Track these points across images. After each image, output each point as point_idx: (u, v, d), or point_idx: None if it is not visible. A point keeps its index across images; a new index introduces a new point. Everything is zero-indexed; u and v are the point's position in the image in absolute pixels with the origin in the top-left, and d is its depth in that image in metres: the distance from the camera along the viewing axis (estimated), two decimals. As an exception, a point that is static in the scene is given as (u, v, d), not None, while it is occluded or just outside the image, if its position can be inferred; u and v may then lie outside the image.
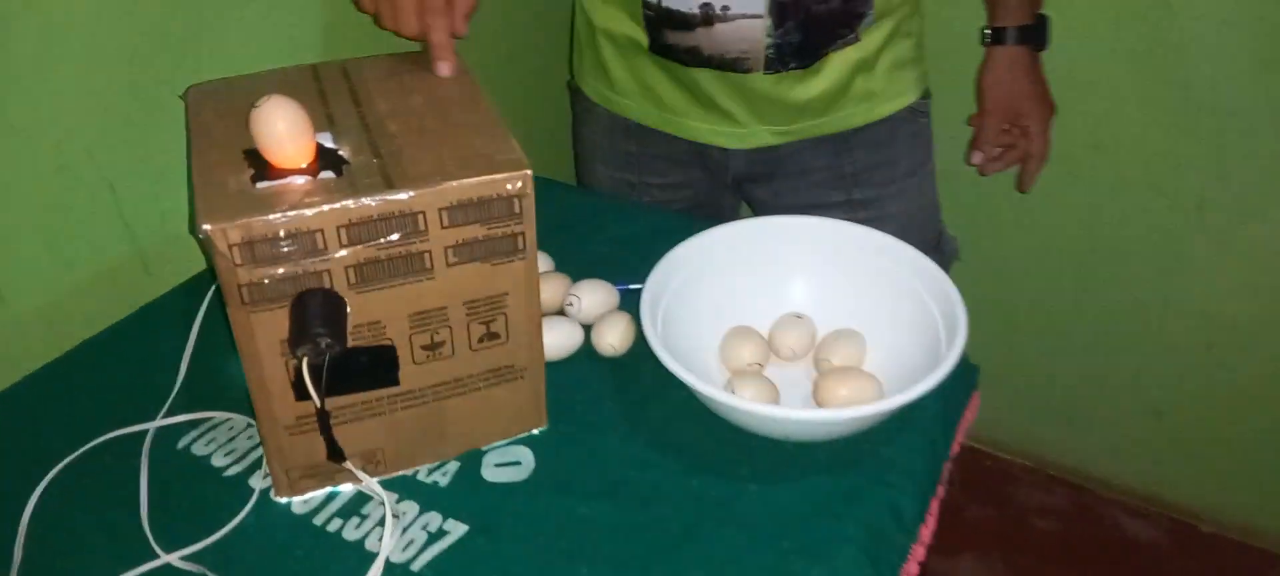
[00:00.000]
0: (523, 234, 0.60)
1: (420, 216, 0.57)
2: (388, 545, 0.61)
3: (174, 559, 0.61)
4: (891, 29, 0.94)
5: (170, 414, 0.71)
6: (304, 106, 0.59)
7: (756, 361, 0.75)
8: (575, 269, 0.84)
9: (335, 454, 0.61)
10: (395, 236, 0.56)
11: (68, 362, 0.77)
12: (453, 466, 0.68)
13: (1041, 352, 1.54)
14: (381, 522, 0.63)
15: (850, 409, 0.65)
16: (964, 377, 0.75)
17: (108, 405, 0.72)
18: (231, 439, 0.70)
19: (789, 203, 1.02)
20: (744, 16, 0.87)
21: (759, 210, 1.09)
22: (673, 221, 0.95)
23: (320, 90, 0.66)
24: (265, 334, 0.57)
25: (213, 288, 0.76)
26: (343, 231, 0.55)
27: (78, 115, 0.77)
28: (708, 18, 0.88)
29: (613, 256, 0.89)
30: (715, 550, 0.62)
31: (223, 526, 0.63)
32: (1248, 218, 1.29)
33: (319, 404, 0.57)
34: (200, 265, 0.88)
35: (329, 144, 0.60)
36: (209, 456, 0.68)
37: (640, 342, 0.72)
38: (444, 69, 0.68)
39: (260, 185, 0.56)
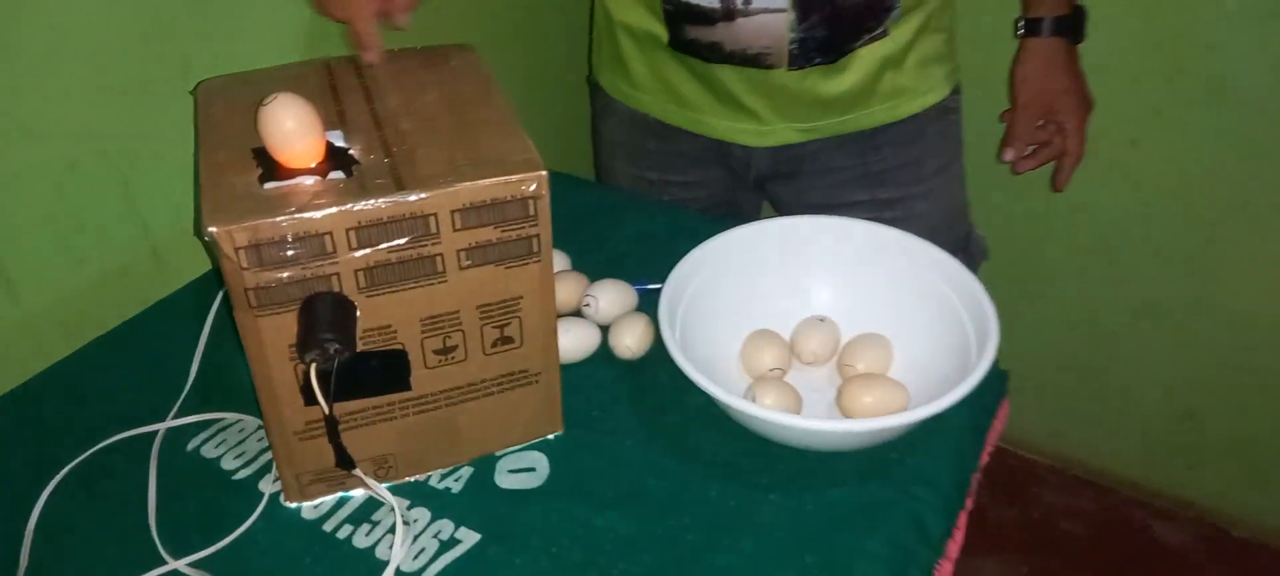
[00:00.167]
0: (538, 236, 0.58)
1: (432, 219, 0.55)
2: (398, 554, 0.60)
3: (181, 565, 0.60)
4: (921, 23, 0.91)
5: (181, 414, 0.70)
6: (314, 103, 0.57)
7: (778, 366, 0.72)
8: (593, 268, 0.82)
9: (344, 461, 0.60)
10: (403, 239, 0.55)
11: (79, 360, 0.77)
12: (466, 472, 0.66)
13: (1069, 351, 1.51)
14: (393, 530, 0.62)
15: (874, 421, 0.62)
16: (993, 385, 0.72)
17: (118, 404, 0.71)
18: (242, 441, 0.69)
19: (813, 202, 1.00)
20: (767, 11, 0.85)
21: (781, 209, 1.06)
22: (693, 220, 0.93)
23: (332, 86, 0.65)
24: (273, 338, 0.55)
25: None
26: (352, 234, 0.54)
27: (89, 110, 0.76)
28: (729, 12, 0.85)
29: (631, 255, 0.88)
30: (734, 563, 0.60)
31: (231, 532, 0.62)
32: (1287, 217, 1.25)
33: (327, 411, 0.56)
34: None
35: (339, 142, 0.58)
36: (219, 459, 0.67)
37: (659, 345, 0.70)
38: (369, 57, 0.66)
39: (268, 186, 0.54)
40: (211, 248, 0.52)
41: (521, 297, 0.61)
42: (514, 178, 0.56)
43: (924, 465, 0.66)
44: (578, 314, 0.77)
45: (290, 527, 0.63)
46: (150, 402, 0.71)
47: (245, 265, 0.52)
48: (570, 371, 0.73)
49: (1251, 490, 1.47)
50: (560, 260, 0.83)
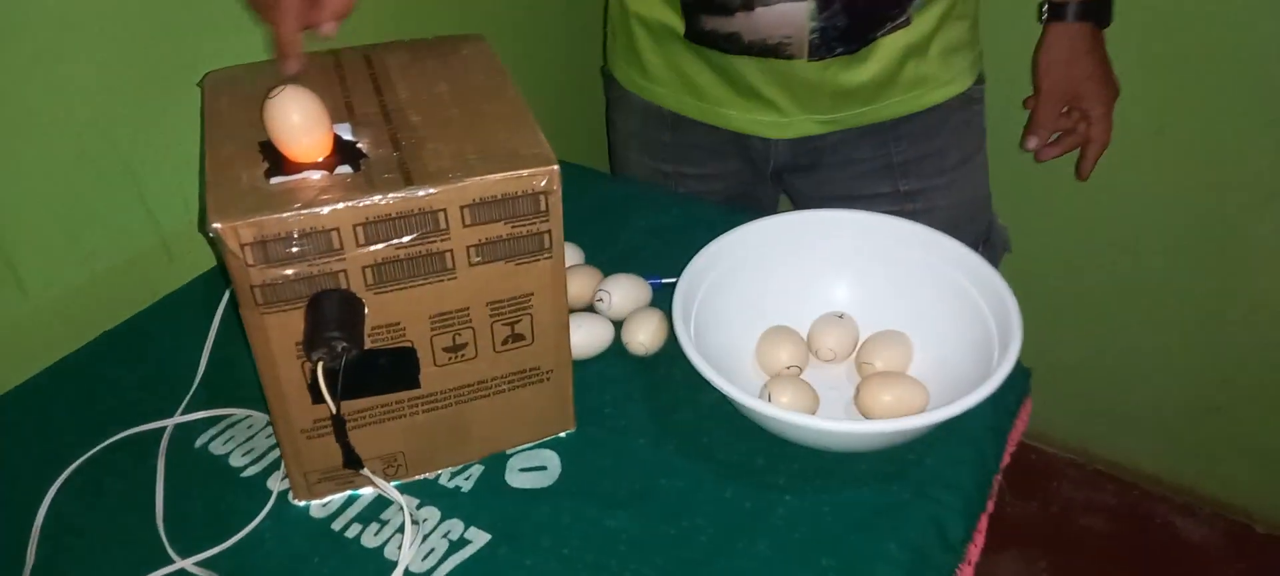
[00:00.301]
0: (549, 232, 0.57)
1: (441, 214, 0.54)
2: (407, 554, 0.59)
3: (188, 564, 0.59)
4: (944, 10, 0.89)
5: (189, 409, 0.70)
6: (323, 95, 0.56)
7: (795, 364, 0.71)
8: (606, 261, 0.81)
9: (352, 461, 0.59)
10: (410, 237, 0.53)
11: (88, 354, 0.76)
12: (476, 470, 0.65)
13: (1092, 343, 1.49)
14: (402, 529, 0.61)
15: (893, 422, 0.61)
16: (1016, 384, 0.71)
17: (127, 400, 0.71)
18: (250, 437, 0.68)
19: (832, 194, 0.98)
20: (786, 0, 0.83)
21: (800, 202, 1.04)
22: (708, 212, 0.92)
23: (341, 77, 0.64)
24: (280, 336, 0.54)
25: (234, 279, 0.74)
26: (359, 230, 0.53)
27: (97, 102, 0.75)
28: (748, 2, 0.83)
29: (646, 248, 0.86)
30: (747, 565, 0.59)
31: (239, 530, 0.61)
32: (1317, 208, 1.22)
33: (334, 410, 0.55)
34: (225, 253, 0.86)
35: (347, 136, 0.57)
36: (227, 456, 0.66)
37: (673, 341, 0.69)
38: (288, 66, 0.61)
39: (274, 180, 0.53)
40: (216, 244, 0.51)
41: (532, 294, 0.59)
42: (524, 172, 0.54)
43: (944, 466, 0.65)
44: (591, 309, 0.76)
45: (298, 526, 0.62)
46: (158, 398, 0.71)
47: (251, 262, 0.51)
48: (582, 368, 0.72)
49: (1276, 486, 1.45)
50: (573, 254, 0.81)
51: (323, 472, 0.62)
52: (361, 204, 0.52)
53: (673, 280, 0.70)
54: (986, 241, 1.03)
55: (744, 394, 0.61)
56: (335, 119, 0.57)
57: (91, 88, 0.74)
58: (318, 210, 0.51)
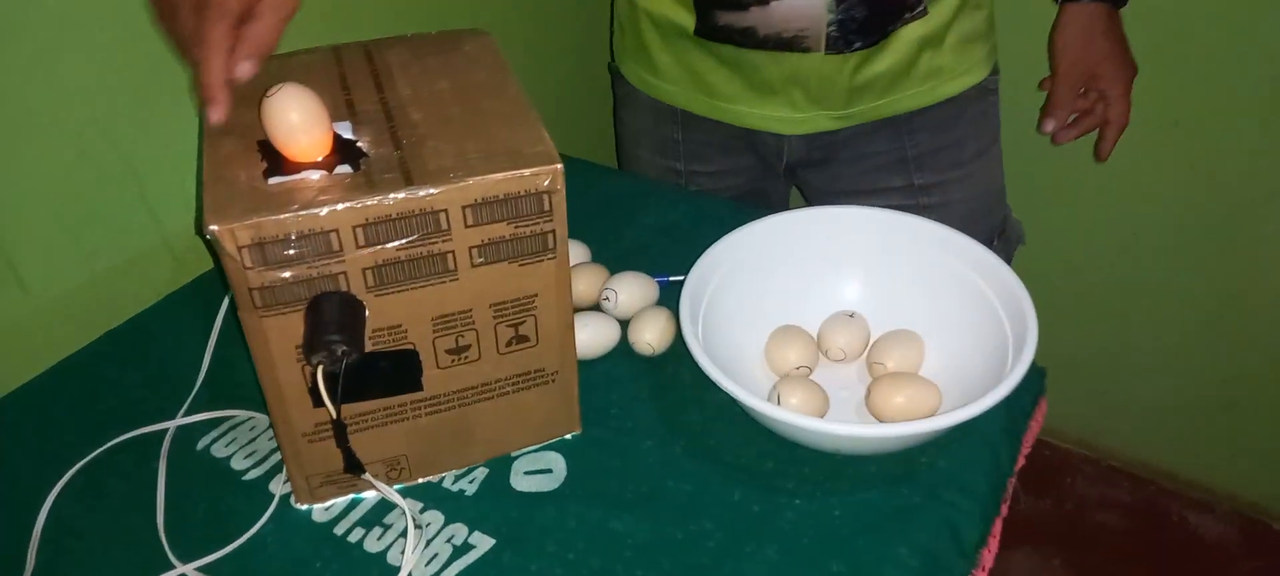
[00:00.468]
0: (553, 232, 0.56)
1: (442, 215, 0.53)
2: (410, 560, 0.58)
3: (190, 569, 0.58)
4: (961, 0, 0.87)
5: (191, 411, 0.69)
6: (323, 92, 0.55)
7: (805, 364, 0.70)
8: (613, 259, 0.80)
9: (353, 466, 0.58)
10: (408, 239, 0.52)
11: (90, 355, 0.75)
12: (480, 474, 0.65)
13: (1106, 338, 1.47)
14: (405, 533, 0.60)
15: (905, 426, 0.60)
16: (1031, 385, 0.69)
17: (129, 401, 0.70)
18: (252, 439, 0.67)
19: (846, 188, 0.96)
20: None
21: (812, 197, 1.03)
22: (717, 208, 0.90)
23: (341, 74, 0.62)
24: (279, 339, 0.54)
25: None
26: (359, 231, 0.52)
27: (98, 100, 0.74)
28: None
29: (653, 246, 0.85)
30: (756, 570, 0.58)
31: (241, 534, 0.60)
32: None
33: (334, 414, 0.54)
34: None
35: (347, 134, 0.56)
36: (229, 458, 0.66)
37: (680, 340, 0.67)
38: (213, 115, 0.54)
39: (272, 181, 0.52)
40: (213, 245, 0.50)
41: (536, 295, 0.58)
42: (527, 172, 0.53)
43: (957, 468, 0.64)
44: (596, 308, 0.75)
45: (301, 530, 0.61)
46: (160, 399, 0.70)
47: (248, 264, 0.50)
48: (588, 368, 0.71)
49: (1294, 483, 1.43)
50: (579, 251, 0.80)
51: (325, 476, 0.61)
52: (361, 205, 0.51)
53: (680, 278, 0.69)
54: (1001, 234, 1.02)
55: (752, 396, 0.60)
56: (335, 117, 0.56)
57: (92, 85, 0.74)
58: (316, 211, 0.50)
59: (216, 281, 0.83)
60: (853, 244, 0.75)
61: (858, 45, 0.84)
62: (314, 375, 0.54)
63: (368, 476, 0.59)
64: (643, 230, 0.87)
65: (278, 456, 0.65)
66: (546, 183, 0.54)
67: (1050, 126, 0.96)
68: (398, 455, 0.62)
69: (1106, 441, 1.58)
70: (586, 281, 0.76)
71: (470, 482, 0.64)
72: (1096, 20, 0.91)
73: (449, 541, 0.60)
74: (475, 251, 0.55)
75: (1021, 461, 0.69)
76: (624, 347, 0.73)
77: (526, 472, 0.64)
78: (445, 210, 0.53)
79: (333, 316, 0.52)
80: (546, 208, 0.55)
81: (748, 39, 0.85)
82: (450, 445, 0.63)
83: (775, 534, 0.60)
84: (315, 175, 0.53)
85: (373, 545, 0.60)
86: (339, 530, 0.61)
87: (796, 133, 0.92)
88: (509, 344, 0.60)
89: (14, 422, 0.70)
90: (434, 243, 0.53)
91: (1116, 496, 1.54)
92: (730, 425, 0.67)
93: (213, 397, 0.70)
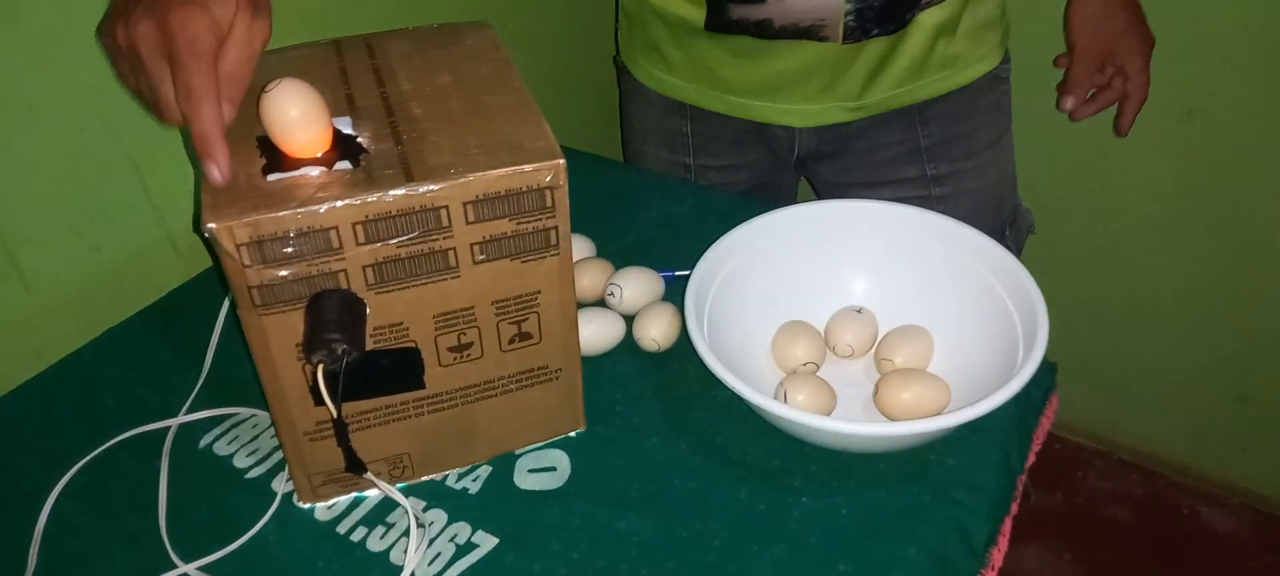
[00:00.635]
0: (556, 228, 0.55)
1: (443, 211, 0.52)
2: (413, 559, 0.57)
3: (191, 569, 0.58)
4: None
5: (194, 409, 0.69)
6: (323, 87, 0.54)
7: (811, 360, 0.69)
8: (618, 254, 0.79)
9: (354, 465, 0.57)
10: (409, 236, 0.52)
11: (93, 351, 0.75)
12: (484, 471, 0.64)
13: (1117, 331, 1.45)
14: (408, 532, 0.59)
15: (913, 424, 0.59)
16: (1042, 380, 0.68)
17: (131, 398, 0.70)
18: (255, 437, 0.67)
19: (858, 181, 0.95)
20: None
21: (822, 189, 1.02)
22: (723, 201, 0.89)
23: (342, 68, 0.62)
24: (279, 337, 0.53)
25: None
26: (359, 228, 0.51)
27: (100, 94, 0.73)
28: None
29: (659, 240, 0.84)
30: (763, 570, 0.57)
31: (243, 534, 0.60)
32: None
33: (335, 414, 0.53)
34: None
35: (347, 130, 0.55)
36: (231, 456, 0.65)
37: (686, 336, 0.67)
38: (216, 174, 0.49)
39: (271, 177, 0.51)
40: (212, 243, 0.49)
41: (539, 292, 0.58)
42: (528, 167, 0.52)
43: (966, 467, 0.63)
44: (601, 303, 0.74)
45: (303, 529, 0.60)
46: (163, 397, 0.69)
47: (247, 262, 0.50)
48: (593, 365, 0.70)
49: (1308, 476, 1.42)
50: (584, 246, 0.80)
51: (327, 475, 0.60)
52: (361, 201, 0.50)
53: (686, 273, 0.68)
54: (1012, 225, 1.01)
55: (758, 394, 0.59)
56: (335, 112, 0.56)
57: (95, 80, 0.73)
58: (315, 208, 0.50)
59: (220, 277, 0.82)
60: (860, 238, 0.74)
61: (875, 32, 0.83)
62: (314, 374, 0.53)
63: (370, 475, 0.59)
64: (648, 224, 0.86)
65: (280, 454, 0.65)
66: (548, 178, 0.53)
67: (1069, 103, 0.95)
68: (400, 453, 0.61)
69: (1118, 435, 1.56)
70: (591, 276, 0.75)
71: (474, 481, 0.63)
72: None
73: (452, 540, 0.59)
74: (477, 248, 0.54)
75: (1032, 459, 0.68)
76: (629, 343, 0.72)
77: (530, 471, 0.64)
78: (446, 206, 0.52)
79: (333, 315, 0.52)
80: (549, 203, 0.54)
81: (763, 31, 0.84)
82: (453, 443, 0.62)
83: (782, 533, 0.59)
84: (314, 171, 0.52)
85: (375, 544, 0.59)
86: (341, 529, 0.60)
87: (810, 125, 0.91)
88: (512, 341, 0.59)
89: (16, 421, 0.69)
90: (435, 239, 0.53)
91: (1128, 490, 1.53)
92: (737, 422, 0.66)
93: (215, 395, 0.70)
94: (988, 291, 0.68)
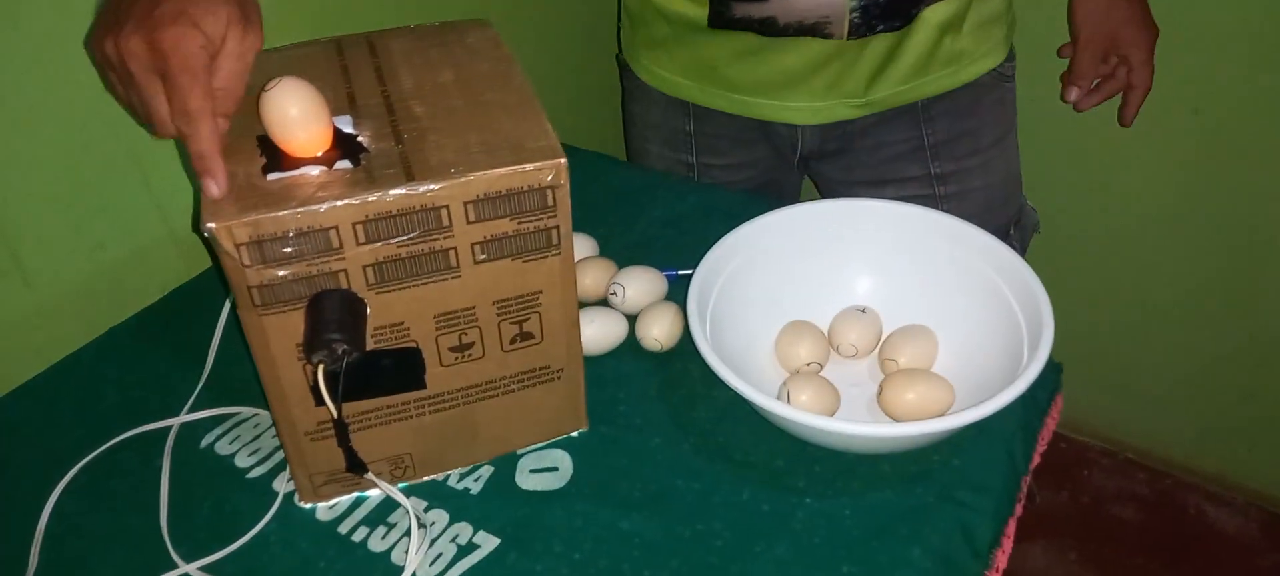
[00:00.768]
0: (557, 228, 0.55)
1: (444, 211, 0.52)
2: (413, 560, 0.57)
3: (192, 569, 0.58)
4: None
5: (195, 408, 0.68)
6: (324, 85, 0.54)
7: (815, 360, 0.68)
8: (621, 253, 0.79)
9: (355, 465, 0.57)
10: (409, 235, 0.51)
11: (95, 350, 0.75)
12: (486, 471, 0.64)
13: (1123, 329, 1.45)
14: (409, 533, 0.59)
15: (917, 425, 0.58)
16: (1047, 380, 0.68)
17: (133, 397, 0.70)
18: (257, 437, 0.66)
19: (862, 179, 0.95)
20: None
21: (826, 188, 1.01)
22: (726, 199, 0.89)
23: (343, 66, 0.61)
24: (279, 337, 0.53)
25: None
26: (359, 228, 0.51)
27: (101, 92, 0.73)
28: None
29: (662, 238, 0.84)
30: (766, 571, 0.57)
31: (244, 533, 0.60)
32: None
33: (335, 414, 0.53)
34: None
35: (348, 128, 0.55)
36: (232, 456, 0.65)
37: (689, 335, 0.66)
38: (213, 190, 0.49)
39: (271, 177, 0.51)
40: (211, 243, 0.49)
41: (541, 292, 0.57)
42: (530, 167, 0.52)
43: (971, 467, 0.62)
44: (604, 303, 0.74)
45: (304, 529, 0.60)
46: (164, 396, 0.69)
47: (247, 262, 0.50)
48: (595, 364, 0.70)
49: (1315, 475, 1.41)
50: (587, 245, 0.79)
51: (328, 475, 0.60)
52: (361, 201, 0.50)
53: (689, 272, 0.68)
54: (1017, 223, 1.00)
55: (761, 394, 0.58)
56: (336, 110, 0.55)
57: (95, 78, 0.72)
58: (315, 208, 0.49)
59: (221, 276, 0.82)
60: (864, 237, 0.73)
61: (881, 29, 0.82)
62: (315, 374, 0.53)
63: (371, 475, 0.59)
64: (651, 223, 0.86)
65: (281, 454, 0.64)
66: (550, 177, 0.53)
67: (1074, 94, 0.95)
68: (402, 453, 0.61)
69: (1124, 433, 1.56)
70: (593, 275, 0.75)
71: (475, 481, 0.63)
72: None
73: (453, 541, 0.59)
74: (478, 248, 0.54)
75: (1037, 459, 0.67)
76: (632, 343, 0.72)
77: (532, 471, 0.64)
78: (447, 206, 0.51)
79: (333, 315, 0.51)
80: (550, 203, 0.54)
81: (767, 28, 0.83)
82: (455, 443, 0.62)
83: (786, 533, 0.59)
84: (315, 171, 0.52)
85: (377, 544, 0.59)
86: (343, 529, 0.60)
87: (815, 122, 0.90)
88: (513, 341, 0.59)
89: (17, 420, 0.69)
90: (436, 239, 0.52)
91: (1134, 489, 1.52)
92: (740, 422, 0.66)
93: (217, 394, 0.70)
94: (993, 291, 0.67)
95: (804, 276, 0.72)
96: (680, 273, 0.76)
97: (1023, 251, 1.00)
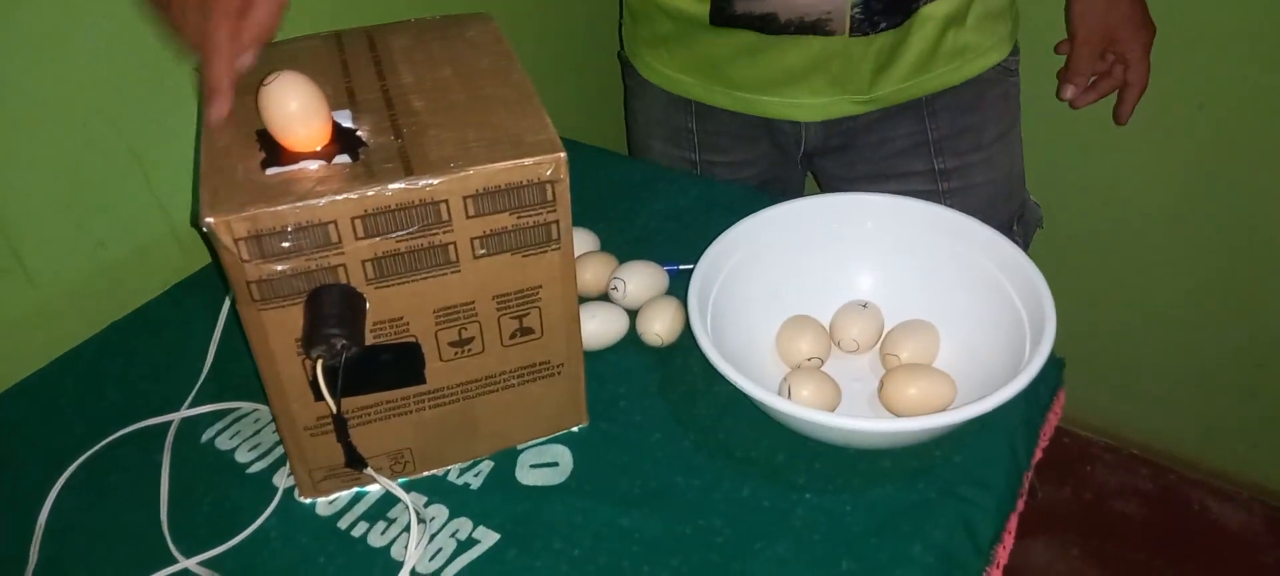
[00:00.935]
0: (557, 222, 0.55)
1: (443, 205, 0.51)
2: (413, 555, 0.57)
3: (192, 564, 0.58)
4: None
5: (196, 403, 0.68)
6: (324, 79, 0.54)
7: (816, 355, 0.68)
8: (622, 247, 0.79)
9: (354, 461, 0.57)
10: (408, 230, 0.51)
11: (96, 346, 0.75)
12: (486, 466, 0.64)
13: (1127, 325, 1.44)
14: (409, 528, 0.59)
15: (918, 420, 0.58)
16: (1049, 376, 0.68)
17: (134, 392, 0.70)
18: (257, 432, 0.66)
19: (866, 175, 0.94)
20: None
21: (828, 184, 1.01)
22: (728, 194, 0.89)
23: (343, 61, 0.61)
24: (278, 332, 0.53)
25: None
26: (358, 222, 0.50)
27: (102, 87, 0.73)
28: None
29: (663, 233, 0.84)
30: (766, 567, 0.57)
31: (244, 529, 0.60)
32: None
33: (334, 409, 0.53)
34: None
35: (347, 123, 0.55)
36: (233, 451, 0.65)
37: (690, 330, 0.66)
38: (217, 111, 0.54)
39: (269, 171, 0.51)
40: (210, 238, 0.49)
41: (541, 287, 0.57)
42: (529, 161, 0.52)
43: (973, 463, 0.62)
44: (605, 298, 0.74)
45: (304, 525, 0.60)
46: (165, 391, 0.69)
47: (246, 257, 0.49)
48: (596, 360, 0.70)
49: (1319, 471, 1.41)
50: (588, 240, 0.79)
51: (328, 470, 0.60)
52: (360, 195, 0.50)
53: (691, 267, 0.68)
54: (1020, 219, 1.00)
55: (762, 390, 0.58)
56: (336, 105, 0.55)
57: (97, 74, 0.73)
58: (314, 202, 0.49)
59: (221, 271, 0.82)
60: (866, 232, 0.73)
61: (883, 26, 0.82)
62: (314, 369, 0.53)
63: (370, 470, 0.58)
64: (653, 217, 0.86)
65: (281, 449, 0.64)
66: (549, 172, 0.53)
67: (1069, 92, 0.95)
68: (402, 448, 0.61)
69: (1127, 429, 1.55)
70: (594, 270, 0.74)
71: (475, 476, 0.63)
72: None
73: (453, 536, 0.59)
74: (477, 242, 0.54)
75: (1039, 455, 0.67)
76: (633, 338, 0.72)
77: (532, 466, 0.63)
78: (446, 200, 0.51)
79: (332, 309, 0.51)
80: (549, 197, 0.53)
81: (768, 25, 0.83)
82: (455, 438, 0.62)
83: (786, 530, 0.59)
84: (314, 165, 0.51)
85: (376, 539, 0.59)
86: (343, 524, 0.60)
87: (818, 119, 0.90)
88: (513, 336, 0.59)
89: (19, 416, 0.69)
90: (435, 234, 0.52)
91: (1137, 484, 1.52)
92: (740, 418, 0.65)
93: (218, 389, 0.70)
94: (995, 286, 0.67)
95: (805, 271, 0.72)
96: (681, 267, 0.76)
97: (1026, 247, 0.99)
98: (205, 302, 0.76)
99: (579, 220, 0.57)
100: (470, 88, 0.58)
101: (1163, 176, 1.28)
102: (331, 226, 0.50)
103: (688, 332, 0.69)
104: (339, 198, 0.49)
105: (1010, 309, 0.65)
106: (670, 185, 0.90)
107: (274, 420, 0.59)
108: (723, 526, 0.59)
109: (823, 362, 0.69)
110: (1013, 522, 0.63)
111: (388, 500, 0.61)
